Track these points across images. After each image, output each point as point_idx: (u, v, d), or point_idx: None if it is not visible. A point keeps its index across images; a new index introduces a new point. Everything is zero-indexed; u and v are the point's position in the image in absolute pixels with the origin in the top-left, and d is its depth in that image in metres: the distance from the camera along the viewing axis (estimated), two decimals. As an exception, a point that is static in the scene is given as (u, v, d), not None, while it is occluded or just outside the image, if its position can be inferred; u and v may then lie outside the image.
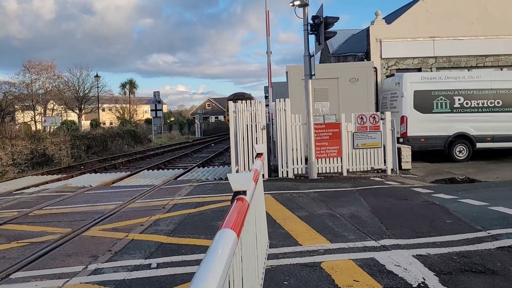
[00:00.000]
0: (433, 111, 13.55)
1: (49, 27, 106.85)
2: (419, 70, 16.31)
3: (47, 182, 13.24)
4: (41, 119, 39.29)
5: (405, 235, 5.48)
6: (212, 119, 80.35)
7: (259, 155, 4.52)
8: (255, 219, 3.23)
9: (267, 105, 12.85)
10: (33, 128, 34.64)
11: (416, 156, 13.06)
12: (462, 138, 13.62)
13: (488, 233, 5.35)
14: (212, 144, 31.82)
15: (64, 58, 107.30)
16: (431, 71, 16.23)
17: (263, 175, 8.25)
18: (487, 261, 4.42)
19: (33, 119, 42.52)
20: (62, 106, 48.38)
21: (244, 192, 2.33)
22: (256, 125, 11.53)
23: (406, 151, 12.02)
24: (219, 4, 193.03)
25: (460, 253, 4.71)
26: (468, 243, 5.02)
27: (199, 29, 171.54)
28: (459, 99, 13.54)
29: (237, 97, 36.46)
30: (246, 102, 11.80)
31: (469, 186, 9.87)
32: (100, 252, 5.32)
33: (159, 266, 4.71)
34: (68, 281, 4.40)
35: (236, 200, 2.21)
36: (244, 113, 11.56)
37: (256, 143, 11.50)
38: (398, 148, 11.79)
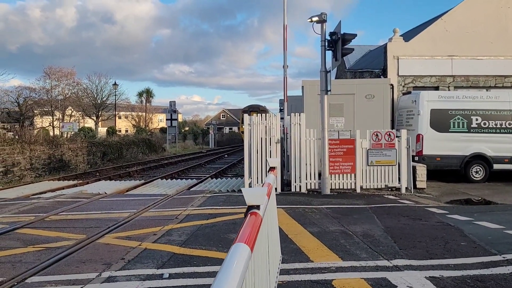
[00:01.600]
0: (449, 130, 13.43)
1: (70, 35, 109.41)
2: (437, 88, 16.21)
3: (63, 188, 13.46)
4: (59, 125, 40.03)
5: (419, 255, 5.42)
6: (226, 130, 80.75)
7: (272, 169, 4.55)
8: (268, 233, 3.26)
9: (282, 118, 12.90)
10: (51, 134, 35.29)
11: (431, 175, 12.92)
12: (479, 158, 13.44)
13: (504, 257, 5.27)
14: (226, 155, 31.95)
15: (83, 66, 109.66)
16: (449, 89, 16.13)
17: (275, 188, 8.27)
18: (501, 286, 4.35)
19: (51, 124, 43.36)
20: (80, 113, 49.27)
21: (258, 207, 2.37)
22: (270, 138, 11.58)
23: (421, 170, 11.92)
24: (237, 17, 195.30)
25: (474, 276, 4.64)
26: (483, 267, 4.95)
27: (215, 40, 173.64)
28: (476, 119, 13.41)
29: (252, 110, 36.65)
30: (261, 115, 11.88)
31: (485, 208, 9.72)
32: (114, 260, 5.39)
33: (171, 276, 4.75)
34: (82, 287, 4.47)
35: (249, 214, 2.25)
36: (258, 126, 11.63)
37: (270, 157, 11.55)
38: (413, 166, 11.70)
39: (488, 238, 6.19)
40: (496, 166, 13.37)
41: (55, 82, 45.69)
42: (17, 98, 41.19)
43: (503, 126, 13.41)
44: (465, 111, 13.43)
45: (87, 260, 5.42)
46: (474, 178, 13.42)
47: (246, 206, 2.40)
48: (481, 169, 13.46)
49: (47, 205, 9.76)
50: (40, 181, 15.46)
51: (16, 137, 18.37)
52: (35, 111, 43.43)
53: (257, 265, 2.31)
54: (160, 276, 4.75)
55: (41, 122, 44.43)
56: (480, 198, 11.06)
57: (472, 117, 13.42)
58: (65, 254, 5.65)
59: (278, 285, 4.29)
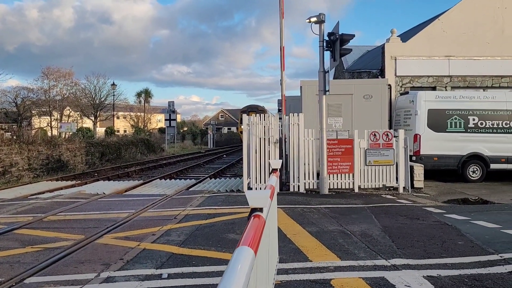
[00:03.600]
0: (447, 130, 13.48)
1: (68, 35, 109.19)
2: (434, 88, 16.27)
3: (61, 188, 13.45)
4: (57, 125, 39.97)
5: (416, 255, 5.46)
6: (225, 130, 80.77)
7: (274, 170, 4.55)
8: (269, 235, 3.28)
9: (280, 118, 12.93)
10: (49, 134, 35.24)
11: (429, 175, 12.98)
12: (476, 158, 13.50)
13: (501, 257, 5.30)
14: (225, 155, 31.96)
15: (81, 66, 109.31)
16: (446, 90, 16.18)
17: (274, 189, 8.26)
18: (498, 285, 4.38)
19: (49, 124, 43.29)
20: (78, 113, 49.20)
21: (261, 209, 2.38)
22: (269, 138, 11.61)
23: (419, 170, 11.96)
24: (234, 18, 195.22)
25: (472, 276, 4.68)
26: (480, 266, 4.98)
27: (213, 41, 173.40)
28: (473, 119, 13.47)
29: (250, 110, 36.64)
30: (259, 116, 11.91)
31: (482, 208, 9.77)
32: (112, 260, 5.40)
33: (170, 276, 4.77)
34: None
35: (253, 217, 2.27)
36: (257, 126, 11.66)
37: (269, 157, 11.57)
38: (410, 166, 11.74)
39: (485, 238, 6.23)
40: (493, 166, 13.43)
41: (53, 82, 45.69)
42: (15, 99, 41.11)
43: (500, 126, 13.47)
44: (462, 111, 13.49)
45: (86, 261, 5.43)
46: (471, 178, 13.48)
47: (246, 206, 2.43)
48: (478, 168, 13.52)
49: (45, 205, 9.75)
50: (38, 182, 15.44)
51: (14, 137, 18.32)
52: (33, 112, 43.34)
53: (259, 268, 2.33)
54: (159, 276, 4.77)
55: (39, 122, 44.32)
56: (477, 198, 11.11)
57: (469, 117, 13.47)
58: (63, 255, 5.65)
59: (278, 285, 4.32)
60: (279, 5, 11.89)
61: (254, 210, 2.35)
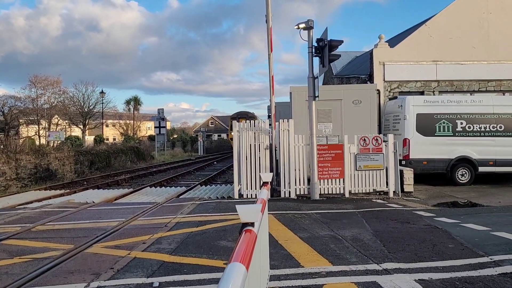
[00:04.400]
0: (435, 134, 13.62)
1: (55, 43, 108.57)
2: (422, 93, 16.45)
3: (50, 197, 13.28)
4: (45, 134, 39.54)
5: (407, 259, 5.48)
6: (215, 137, 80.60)
7: (265, 183, 4.52)
8: (260, 247, 3.27)
9: (270, 125, 12.95)
10: (37, 143, 34.84)
11: (418, 179, 13.07)
12: (465, 161, 13.65)
13: (491, 259, 5.34)
14: (215, 162, 31.88)
15: (70, 74, 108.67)
16: (434, 94, 16.38)
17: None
18: (489, 288, 4.41)
19: (37, 133, 42.80)
20: (66, 121, 48.76)
21: (252, 224, 2.37)
22: (259, 144, 11.61)
23: (408, 174, 12.05)
24: (223, 25, 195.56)
25: (463, 278, 4.70)
26: (471, 269, 5.01)
27: (202, 48, 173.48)
28: (461, 123, 13.63)
29: (240, 116, 36.67)
30: (249, 122, 11.92)
31: (471, 211, 9.86)
32: (103, 269, 5.33)
33: (161, 285, 4.72)
34: (70, 298, 4.42)
35: (244, 232, 2.25)
36: (247, 132, 11.66)
37: (259, 163, 11.57)
38: (400, 170, 11.82)
39: (475, 240, 6.28)
40: (481, 169, 13.59)
41: (41, 90, 45.25)
42: (2, 107, 40.60)
43: (487, 129, 13.65)
44: (450, 115, 13.65)
45: (75, 271, 5.35)
46: (460, 181, 13.62)
47: (237, 213, 2.41)
48: (466, 172, 13.66)
49: (34, 215, 9.61)
50: (26, 191, 15.22)
51: (1, 146, 18.09)
52: (21, 120, 42.84)
53: (251, 282, 2.31)
54: (150, 285, 4.72)
55: (27, 131, 43.80)
56: (466, 201, 11.22)
57: (457, 121, 13.64)
58: (52, 265, 5.56)
59: (269, 291, 4.29)
60: (267, 39, 11.73)
61: (245, 224, 2.34)
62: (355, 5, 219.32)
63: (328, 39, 10.61)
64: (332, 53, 10.75)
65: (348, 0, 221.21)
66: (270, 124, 12.74)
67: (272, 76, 12.10)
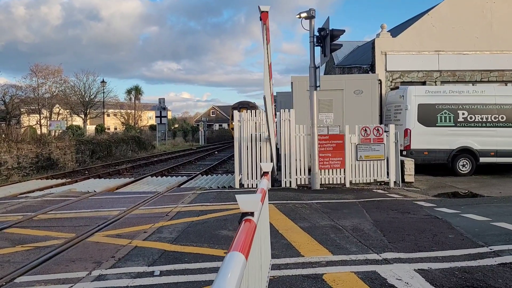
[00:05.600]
0: (437, 124, 13.59)
1: (56, 32, 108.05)
2: (424, 83, 16.38)
3: (51, 187, 13.32)
4: (47, 123, 39.56)
5: (407, 248, 5.50)
6: (216, 126, 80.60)
7: (265, 173, 4.51)
8: (260, 237, 3.28)
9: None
10: (38, 132, 34.87)
11: (419, 169, 13.07)
12: (466, 152, 13.64)
13: (490, 249, 5.36)
14: (216, 152, 31.90)
15: (70, 63, 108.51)
16: (436, 84, 16.31)
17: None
18: (488, 278, 4.43)
19: (38, 122, 42.80)
20: (67, 111, 48.71)
21: (252, 213, 2.38)
22: (260, 134, 11.60)
23: (409, 164, 12.05)
24: (223, 14, 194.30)
25: (462, 268, 4.72)
26: (470, 259, 5.03)
27: (203, 38, 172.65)
28: (463, 113, 13.59)
29: (241, 106, 36.64)
30: (250, 112, 11.89)
31: (471, 201, 9.87)
32: (104, 258, 5.37)
33: (162, 274, 4.75)
34: (71, 286, 4.45)
35: (244, 221, 2.26)
36: (248, 122, 11.64)
37: (260, 153, 11.57)
38: (401, 160, 11.82)
39: (475, 230, 6.30)
40: (482, 160, 13.58)
41: (42, 80, 45.09)
42: (3, 96, 40.60)
43: (489, 120, 13.61)
44: (452, 106, 13.60)
45: (77, 259, 5.39)
46: (461, 172, 13.62)
47: (237, 203, 2.42)
48: (467, 162, 13.66)
49: (35, 204, 9.65)
50: (27, 180, 15.27)
51: (3, 135, 18.10)
52: (22, 110, 42.83)
53: (251, 271, 2.32)
54: (151, 274, 4.75)
55: (28, 120, 43.78)
56: (467, 191, 11.23)
57: (458, 111, 13.59)
58: (54, 253, 5.60)
59: (270, 280, 4.32)
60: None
61: (245, 214, 2.34)
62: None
63: (330, 28, 10.54)
64: (334, 42, 10.69)
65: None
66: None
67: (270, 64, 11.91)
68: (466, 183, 12.34)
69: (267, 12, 8.65)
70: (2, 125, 29.06)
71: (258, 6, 8.62)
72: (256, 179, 11.58)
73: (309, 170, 11.41)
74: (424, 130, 13.55)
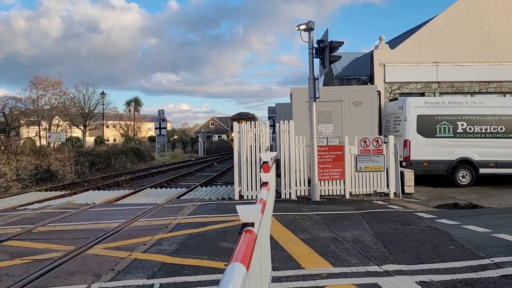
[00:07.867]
0: (436, 135, 13.62)
1: (55, 44, 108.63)
2: (422, 94, 16.45)
3: (50, 199, 13.28)
4: (46, 135, 39.53)
5: (408, 260, 5.47)
6: (215, 137, 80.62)
7: (265, 184, 4.51)
8: (261, 248, 3.26)
9: (271, 126, 12.96)
10: (38, 144, 34.84)
11: (419, 180, 13.06)
12: (465, 163, 13.64)
13: (492, 261, 5.34)
14: (215, 163, 31.87)
15: (70, 75, 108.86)
16: (434, 96, 16.37)
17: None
18: (490, 289, 4.40)
19: (37, 134, 42.78)
20: (67, 122, 48.73)
21: (252, 224, 2.37)
22: (260, 146, 11.61)
23: (409, 175, 12.04)
24: (222, 26, 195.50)
25: (464, 280, 4.70)
26: (472, 271, 5.01)
27: (202, 49, 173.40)
28: (462, 124, 13.62)
29: (241, 117, 36.71)
30: (250, 123, 11.92)
31: (472, 212, 9.85)
32: (103, 271, 5.33)
33: (162, 286, 4.72)
34: (71, 300, 4.42)
35: (244, 232, 2.25)
36: (248, 133, 11.66)
37: (260, 164, 11.55)
38: (401, 172, 11.81)
39: (476, 242, 6.27)
40: (482, 170, 13.57)
41: (42, 91, 45.16)
42: (3, 108, 40.61)
43: (488, 131, 13.64)
44: (451, 117, 13.64)
45: (76, 272, 5.35)
46: (461, 183, 13.60)
47: (237, 214, 2.41)
48: (467, 173, 13.65)
49: (34, 216, 9.61)
50: (27, 192, 15.22)
51: (2, 147, 18.10)
52: (21, 121, 42.83)
53: (252, 283, 2.31)
54: (151, 287, 4.72)
55: (28, 132, 43.77)
56: (467, 202, 11.20)
57: (457, 122, 13.63)
58: (53, 266, 5.56)
59: (270, 292, 4.29)
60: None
61: (245, 225, 2.33)
62: (353, 7, 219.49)
63: (329, 40, 10.62)
64: (333, 54, 10.76)
65: (346, 2, 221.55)
66: (270, 125, 12.76)
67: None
68: (466, 194, 12.32)
69: None
70: (2, 137, 29.06)
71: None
72: (256, 190, 11.55)
73: (309, 182, 11.39)
74: (423, 141, 13.57)
